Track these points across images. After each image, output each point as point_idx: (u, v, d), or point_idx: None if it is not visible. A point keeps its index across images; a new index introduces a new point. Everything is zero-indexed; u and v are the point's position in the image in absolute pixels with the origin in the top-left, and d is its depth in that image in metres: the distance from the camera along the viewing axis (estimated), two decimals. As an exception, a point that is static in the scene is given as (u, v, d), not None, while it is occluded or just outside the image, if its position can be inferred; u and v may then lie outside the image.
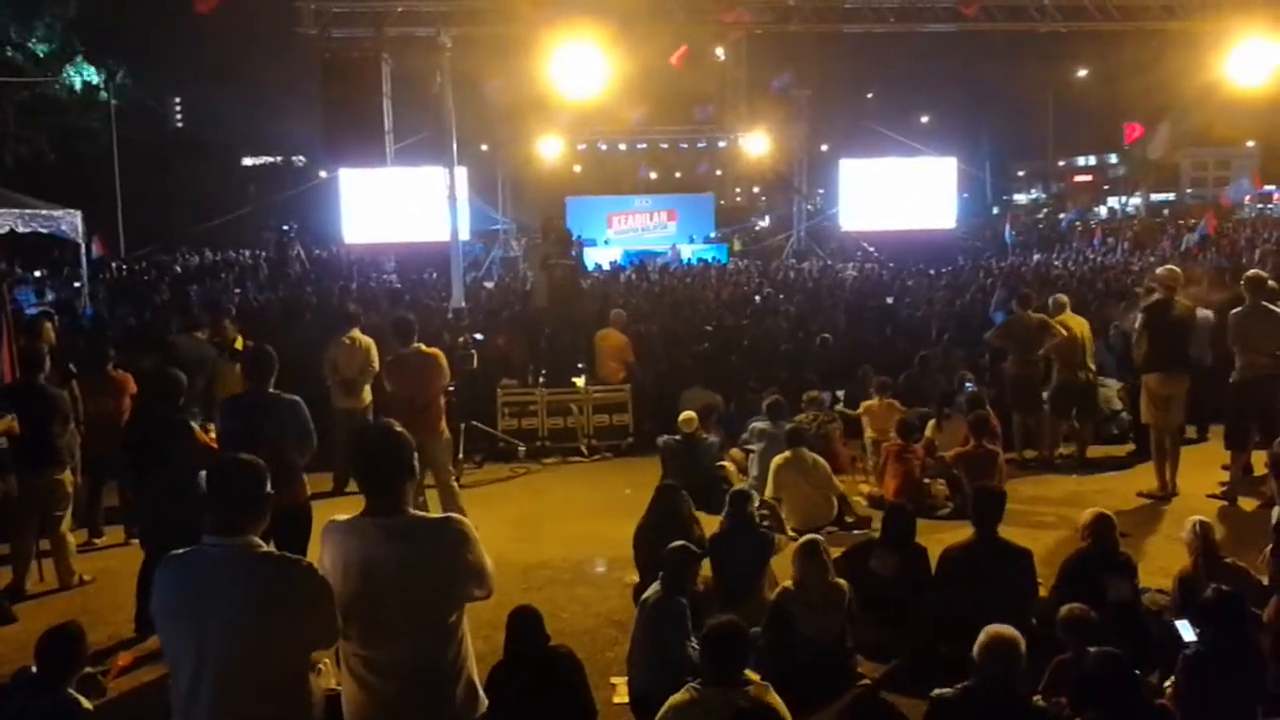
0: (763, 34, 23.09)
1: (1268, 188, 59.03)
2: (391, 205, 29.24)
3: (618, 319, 14.06)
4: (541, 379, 13.51)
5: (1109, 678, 4.71)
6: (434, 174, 25.05)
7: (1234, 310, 9.98)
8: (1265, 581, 6.46)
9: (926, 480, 10.04)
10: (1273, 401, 9.58)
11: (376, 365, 10.70)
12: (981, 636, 4.70)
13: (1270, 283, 10.26)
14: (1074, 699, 5.09)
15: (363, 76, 20.85)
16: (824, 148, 47.08)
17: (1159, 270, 11.25)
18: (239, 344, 10.64)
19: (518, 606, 5.61)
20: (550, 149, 36.05)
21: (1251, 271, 10.54)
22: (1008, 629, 4.71)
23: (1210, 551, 6.53)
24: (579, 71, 13.84)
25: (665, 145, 39.06)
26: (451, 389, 10.26)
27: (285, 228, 28.24)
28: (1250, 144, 64.63)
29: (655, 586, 6.22)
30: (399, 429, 3.86)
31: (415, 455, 3.87)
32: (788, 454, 9.63)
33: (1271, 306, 9.77)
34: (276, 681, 3.61)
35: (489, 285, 24.59)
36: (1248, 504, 9.73)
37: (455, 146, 17.34)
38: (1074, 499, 10.01)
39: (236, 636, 3.52)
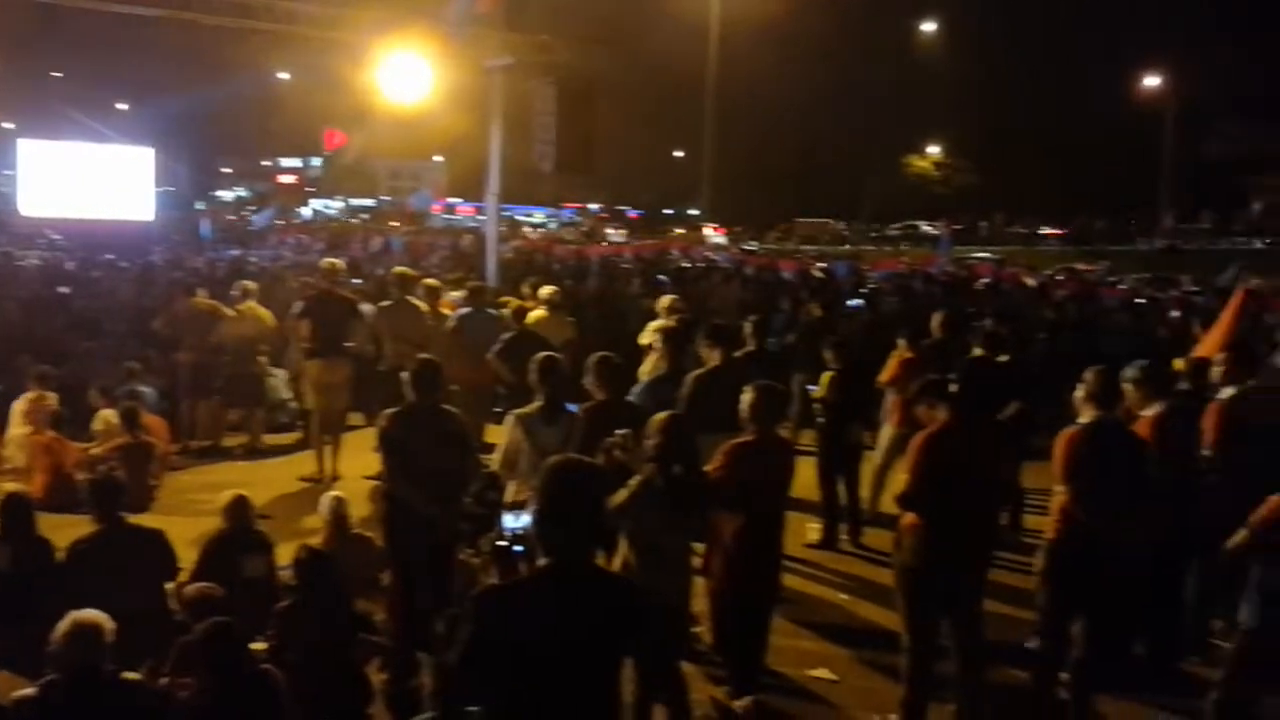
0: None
1: (453, 200, 64.95)
2: None
3: None
4: None
5: (212, 645, 4.86)
6: None
7: (381, 304, 10.83)
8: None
9: (81, 475, 9.64)
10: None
11: None
12: (63, 624, 4.59)
13: (429, 281, 11.41)
14: (187, 670, 5.19)
15: None
16: (9, 126, 43.35)
17: (322, 263, 11.86)
18: None
19: None
20: None
21: (396, 269, 11.53)
22: (91, 613, 4.62)
23: (340, 525, 7.35)
24: None
25: None
26: None
27: None
28: (438, 158, 70.39)
29: None
30: None
31: None
32: None
33: (415, 301, 10.75)
34: None
35: None
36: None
37: None
38: (239, 485, 10.12)
39: None
